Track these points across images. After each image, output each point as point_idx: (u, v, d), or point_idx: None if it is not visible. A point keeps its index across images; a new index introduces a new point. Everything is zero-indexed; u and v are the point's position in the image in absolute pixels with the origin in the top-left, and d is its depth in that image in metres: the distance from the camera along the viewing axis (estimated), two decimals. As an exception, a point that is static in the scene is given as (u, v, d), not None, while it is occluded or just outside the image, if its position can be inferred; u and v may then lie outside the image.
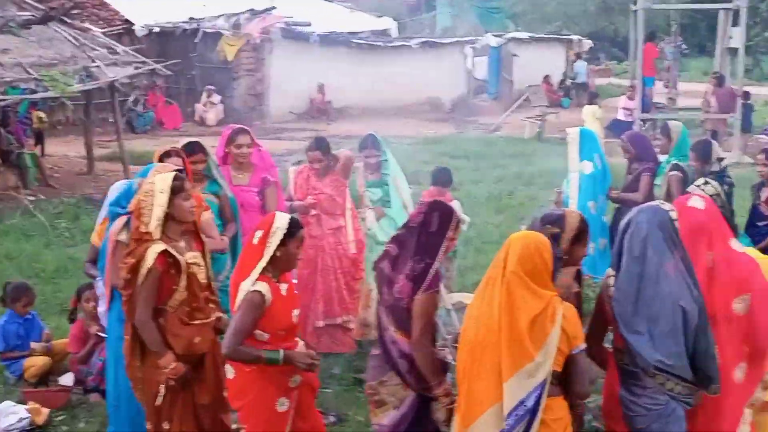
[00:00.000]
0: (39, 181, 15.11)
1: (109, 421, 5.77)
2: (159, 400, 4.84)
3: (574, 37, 34.65)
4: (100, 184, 15.06)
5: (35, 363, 7.10)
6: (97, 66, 14.57)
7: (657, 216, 4.18)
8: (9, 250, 10.98)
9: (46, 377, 7.11)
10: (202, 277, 4.98)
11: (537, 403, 3.74)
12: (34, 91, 13.55)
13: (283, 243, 4.60)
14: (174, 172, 4.96)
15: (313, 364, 4.70)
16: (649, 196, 7.95)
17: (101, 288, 6.25)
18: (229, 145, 7.17)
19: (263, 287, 4.55)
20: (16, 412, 6.36)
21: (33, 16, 15.12)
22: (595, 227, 7.85)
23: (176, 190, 4.81)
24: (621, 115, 21.31)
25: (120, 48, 16.12)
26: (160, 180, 4.83)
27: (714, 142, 8.44)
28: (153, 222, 4.73)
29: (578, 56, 32.36)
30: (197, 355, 4.91)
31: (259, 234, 4.68)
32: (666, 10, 24.38)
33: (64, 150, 17.83)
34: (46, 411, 6.49)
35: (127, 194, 5.64)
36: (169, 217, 4.78)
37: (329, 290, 7.64)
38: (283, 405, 4.68)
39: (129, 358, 4.94)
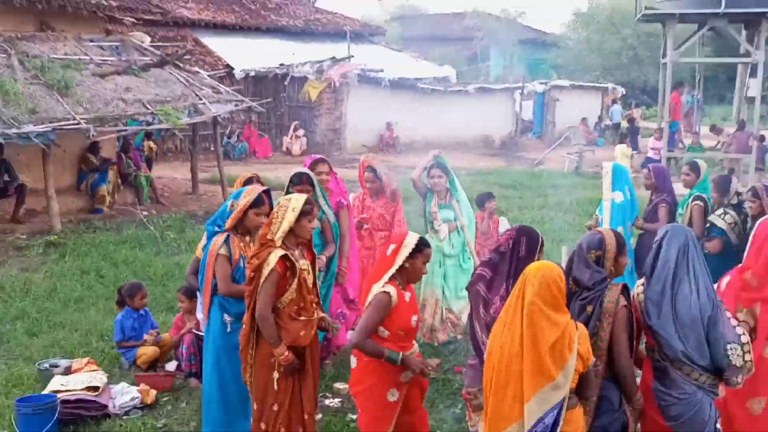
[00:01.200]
0: (151, 199, 15.38)
1: (203, 411, 5.78)
2: (274, 385, 4.89)
3: (609, 85, 34.33)
4: (202, 202, 15.33)
5: (146, 352, 7.26)
6: (203, 103, 14.80)
7: (681, 234, 4.24)
8: (126, 256, 11.13)
9: (154, 364, 7.25)
10: (310, 281, 5.03)
11: (556, 420, 3.67)
12: (150, 123, 13.80)
13: (411, 256, 4.67)
14: (307, 197, 5.08)
15: (424, 372, 4.74)
16: (667, 220, 7.93)
17: (198, 296, 6.47)
18: (311, 171, 7.18)
19: (391, 290, 4.60)
20: (129, 392, 6.50)
21: (152, 60, 15.40)
22: (624, 249, 7.79)
23: (305, 213, 4.89)
24: (651, 153, 21.05)
25: (222, 88, 16.35)
26: (295, 200, 4.92)
27: (734, 177, 8.32)
28: (279, 233, 4.81)
29: (613, 102, 32.06)
30: (300, 348, 4.92)
31: (392, 247, 4.77)
32: (691, 63, 23.95)
33: (172, 173, 18.10)
34: (153, 392, 6.61)
35: (222, 215, 5.71)
36: (291, 231, 4.84)
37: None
38: (393, 395, 4.70)
39: (244, 345, 4.98)
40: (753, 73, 19.36)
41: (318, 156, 7.62)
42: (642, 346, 4.37)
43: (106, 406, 6.22)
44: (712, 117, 31.92)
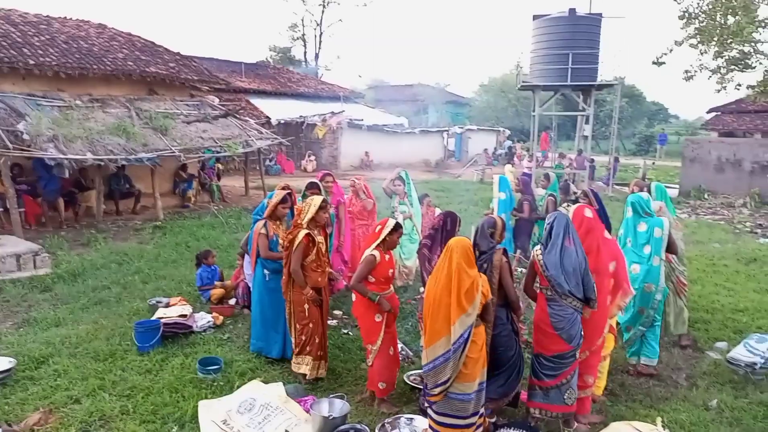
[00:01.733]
0: (220, 199, 15.13)
1: (251, 329, 5.79)
2: (306, 312, 4.99)
3: (501, 128, 34.56)
4: (251, 201, 15.12)
5: (216, 292, 7.15)
6: (252, 139, 14.63)
7: (564, 219, 4.30)
8: (204, 234, 10.99)
9: (222, 300, 7.15)
10: (323, 249, 5.09)
11: (469, 334, 3.73)
12: (218, 152, 13.62)
13: (390, 233, 4.67)
14: (323, 198, 5.13)
15: (390, 310, 4.71)
16: (531, 214, 8.02)
17: (247, 258, 6.41)
18: (321, 181, 7.13)
19: (376, 253, 4.62)
20: (206, 317, 6.45)
21: (219, 113, 15.22)
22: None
23: (321, 207, 5.02)
24: (525, 170, 21.13)
25: (263, 130, 16.14)
26: (316, 200, 5.03)
27: (571, 184, 8.43)
28: (305, 220, 4.94)
29: (507, 138, 32.31)
30: (318, 288, 5.04)
31: (378, 227, 4.73)
32: (549, 115, 24.12)
33: (234, 183, 17.82)
34: (221, 317, 6.55)
35: (262, 208, 5.76)
36: (312, 218, 4.94)
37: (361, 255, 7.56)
38: (378, 317, 4.73)
39: (285, 288, 5.08)
40: (586, 121, 19.55)
41: (326, 171, 7.68)
42: (537, 286, 4.45)
43: (191, 327, 6.15)
44: (562, 147, 32.20)
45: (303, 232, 4.90)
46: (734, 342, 5.97)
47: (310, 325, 5.03)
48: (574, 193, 7.94)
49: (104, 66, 13.15)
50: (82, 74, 12.63)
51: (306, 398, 4.67)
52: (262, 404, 4.48)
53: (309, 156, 23.33)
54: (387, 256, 4.75)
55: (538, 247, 4.37)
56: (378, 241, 4.66)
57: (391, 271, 4.80)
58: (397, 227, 4.73)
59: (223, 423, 4.29)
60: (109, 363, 5.40)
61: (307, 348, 5.05)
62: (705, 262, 9.78)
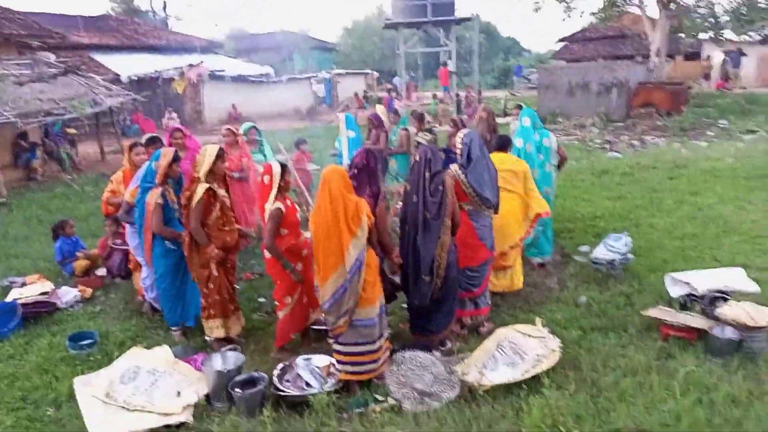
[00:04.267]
0: (72, 168, 13.60)
1: (163, 306, 5.08)
2: (213, 272, 4.59)
3: (369, 71, 34.45)
4: (109, 166, 13.87)
5: (81, 264, 6.53)
6: (100, 97, 13.31)
7: (477, 137, 4.65)
8: (57, 206, 10.02)
9: (88, 271, 6.52)
10: (228, 204, 4.66)
11: (363, 257, 3.75)
12: (63, 115, 12.23)
13: (281, 177, 4.35)
14: (219, 147, 4.59)
15: (301, 280, 4.45)
16: (386, 147, 7.95)
17: (129, 228, 5.32)
18: (171, 137, 6.38)
19: (279, 204, 4.30)
20: (71, 292, 5.90)
21: (57, 71, 13.61)
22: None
23: (219, 156, 4.51)
24: (397, 108, 21.41)
25: (113, 87, 14.76)
26: (210, 149, 4.52)
27: (425, 114, 8.52)
28: (202, 172, 4.45)
29: (376, 82, 31.99)
30: (230, 247, 4.69)
31: (266, 178, 4.37)
32: (414, 53, 24.40)
33: (88, 149, 16.11)
34: (90, 290, 6.02)
35: (151, 173, 4.84)
36: (210, 170, 4.46)
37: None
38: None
39: (188, 250, 4.59)
40: (449, 57, 20.06)
41: (175, 126, 6.99)
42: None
43: (55, 304, 5.59)
44: (428, 86, 32.89)
45: (202, 187, 4.37)
46: (595, 244, 6.52)
47: (211, 285, 4.61)
48: (429, 122, 8.17)
49: None
50: None
51: (196, 356, 4.46)
52: (148, 370, 4.18)
53: (169, 113, 21.78)
54: (288, 201, 4.51)
55: (455, 166, 4.58)
56: (274, 192, 4.38)
57: (298, 214, 4.59)
58: (285, 168, 4.46)
59: (106, 396, 3.96)
60: (-40, 356, 4.77)
61: (211, 311, 4.67)
62: (564, 178, 10.53)
